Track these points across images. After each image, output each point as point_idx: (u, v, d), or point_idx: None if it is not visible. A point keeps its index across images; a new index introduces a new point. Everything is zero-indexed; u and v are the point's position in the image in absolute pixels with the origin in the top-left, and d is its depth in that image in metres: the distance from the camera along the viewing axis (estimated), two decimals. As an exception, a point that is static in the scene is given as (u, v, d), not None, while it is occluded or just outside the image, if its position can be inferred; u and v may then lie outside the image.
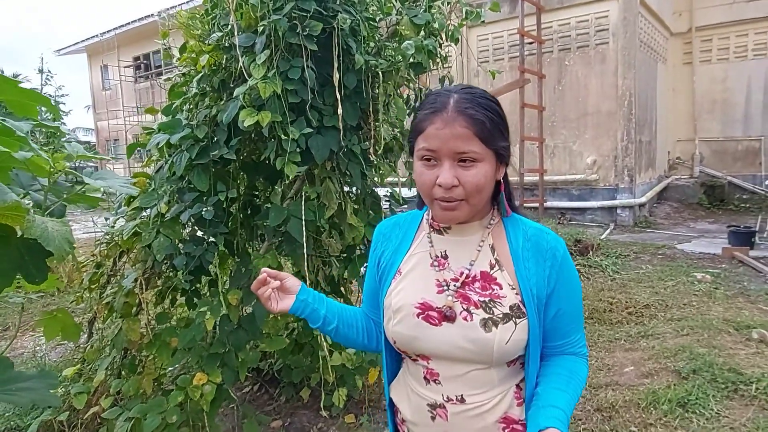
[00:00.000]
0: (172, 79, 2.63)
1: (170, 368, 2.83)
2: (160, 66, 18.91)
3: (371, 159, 2.27)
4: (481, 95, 0.96)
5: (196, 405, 2.26)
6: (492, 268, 1.01)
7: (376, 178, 2.57)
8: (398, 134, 2.25)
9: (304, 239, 2.06)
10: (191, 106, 2.16)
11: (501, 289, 0.99)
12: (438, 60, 2.12)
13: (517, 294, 0.98)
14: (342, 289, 2.95)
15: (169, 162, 2.18)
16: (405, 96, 2.30)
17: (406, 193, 2.61)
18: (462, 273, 1.01)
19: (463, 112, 0.92)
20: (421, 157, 0.97)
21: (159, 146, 2.05)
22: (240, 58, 1.78)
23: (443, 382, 1.02)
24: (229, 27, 1.90)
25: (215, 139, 2.09)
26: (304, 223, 2.07)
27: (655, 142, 10.58)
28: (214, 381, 2.23)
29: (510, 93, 9.00)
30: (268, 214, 2.13)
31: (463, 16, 2.12)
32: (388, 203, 2.78)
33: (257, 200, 2.77)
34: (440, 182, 0.93)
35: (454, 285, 1.01)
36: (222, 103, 2.08)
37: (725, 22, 10.82)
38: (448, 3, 2.10)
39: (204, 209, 2.06)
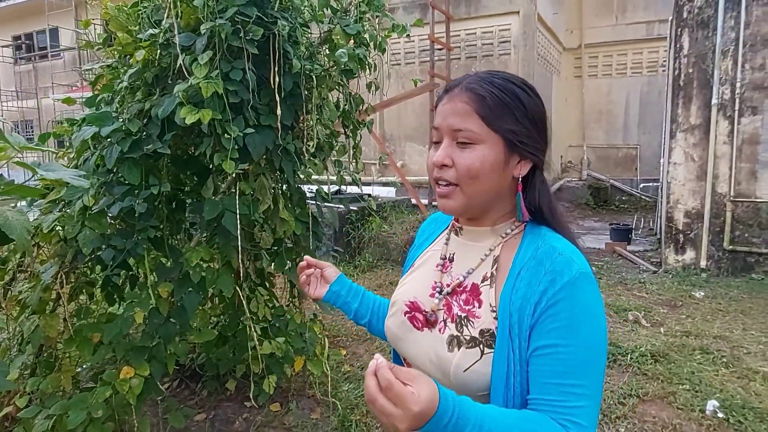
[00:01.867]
0: (93, 71, 2.58)
1: (84, 365, 2.76)
2: (45, 47, 17.33)
3: (302, 157, 2.39)
4: (502, 76, 0.86)
5: (121, 399, 2.25)
6: (484, 281, 0.88)
7: (302, 176, 2.70)
8: (329, 134, 2.40)
9: (239, 232, 2.14)
10: (121, 100, 2.15)
11: (480, 306, 0.86)
12: (367, 67, 2.30)
13: (495, 318, 0.83)
14: (266, 283, 3.04)
15: (96, 154, 2.15)
16: (335, 99, 2.45)
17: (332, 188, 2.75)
18: (456, 280, 0.92)
19: (468, 87, 0.84)
20: (431, 140, 0.91)
21: (87, 138, 2.03)
22: (180, 57, 1.83)
23: None
24: (167, 25, 1.93)
25: (147, 133, 2.10)
26: (238, 217, 2.14)
27: (550, 147, 11.54)
28: (142, 374, 2.24)
29: (421, 96, 9.42)
30: (201, 207, 2.19)
31: (390, 29, 2.31)
32: (314, 199, 2.91)
33: (181, 195, 2.78)
34: (434, 160, 0.86)
35: (445, 291, 0.91)
36: (155, 98, 2.10)
37: (609, 42, 12.07)
38: (377, 15, 2.28)
39: (136, 202, 2.07)
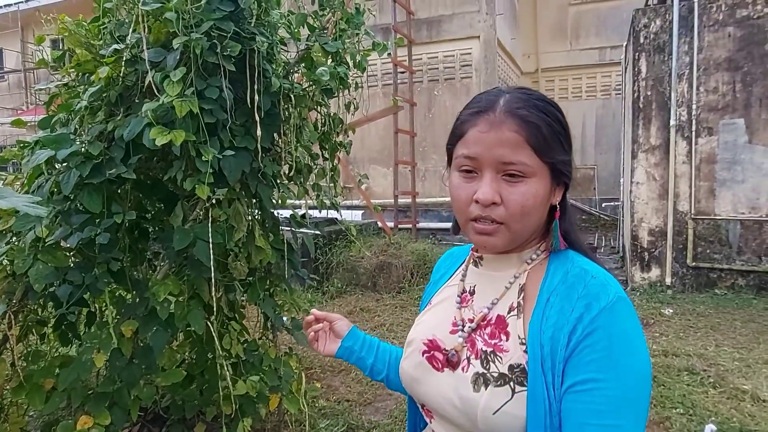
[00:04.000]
0: (46, 90, 2.38)
1: (33, 413, 2.49)
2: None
3: (278, 181, 2.26)
4: (538, 97, 0.78)
5: (78, 453, 2.01)
6: (510, 311, 0.79)
7: (277, 201, 2.55)
8: (308, 157, 2.27)
9: (212, 263, 1.97)
10: (80, 121, 1.97)
11: (507, 339, 0.77)
12: (347, 87, 2.20)
13: (524, 352, 0.74)
14: (237, 316, 2.85)
15: (51, 180, 1.96)
16: (314, 121, 2.34)
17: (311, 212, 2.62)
18: (480, 313, 0.82)
19: (515, 113, 0.74)
20: (459, 167, 0.80)
21: (41, 163, 1.84)
22: (149, 74, 1.68)
23: None
24: (134, 40, 1.78)
25: (110, 156, 1.93)
26: (211, 246, 1.98)
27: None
28: (102, 423, 2.01)
29: (384, 119, 9.42)
30: (169, 236, 2.01)
31: (370, 47, 2.23)
32: (289, 226, 2.76)
33: (144, 223, 2.58)
34: (478, 197, 0.76)
35: (469, 326, 0.82)
36: (119, 118, 1.93)
37: (564, 66, 12.49)
38: (357, 33, 2.19)
39: (96, 232, 1.88)
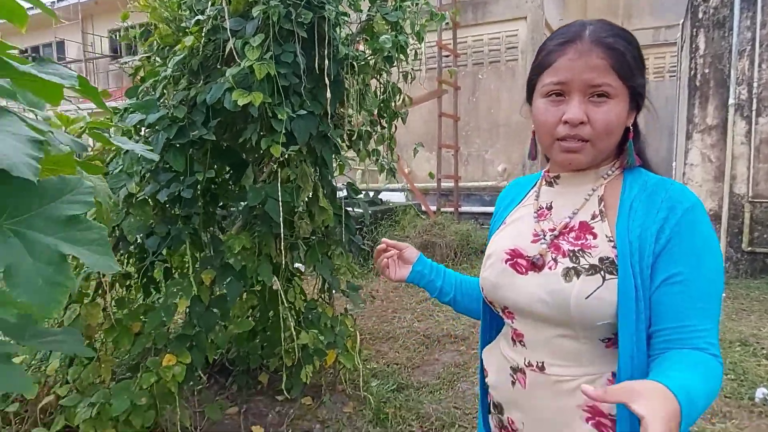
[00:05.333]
0: (129, 64, 2.61)
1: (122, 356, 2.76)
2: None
3: (339, 146, 2.40)
4: (620, 27, 0.87)
5: (162, 388, 2.24)
6: (593, 218, 0.89)
7: (336, 167, 2.70)
8: (369, 123, 2.41)
9: (281, 219, 2.14)
10: (164, 88, 2.16)
11: (595, 238, 0.86)
12: (406, 56, 2.32)
13: (613, 247, 0.83)
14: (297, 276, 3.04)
15: (140, 142, 2.17)
16: (373, 88, 2.47)
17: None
18: (561, 223, 0.92)
19: (602, 41, 0.83)
20: (546, 94, 0.88)
21: (134, 126, 2.04)
22: (231, 41, 1.85)
23: (528, 345, 0.93)
24: (214, 12, 1.95)
25: (192, 120, 2.12)
26: (280, 203, 2.15)
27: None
28: (184, 362, 2.23)
29: (428, 102, 9.46)
30: (242, 196, 2.19)
31: (429, 17, 2.33)
32: (346, 193, 2.91)
33: (214, 187, 2.79)
34: (567, 118, 0.84)
35: (551, 234, 0.91)
36: (199, 85, 2.12)
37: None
38: (416, 3, 2.30)
39: (181, 189, 2.08)
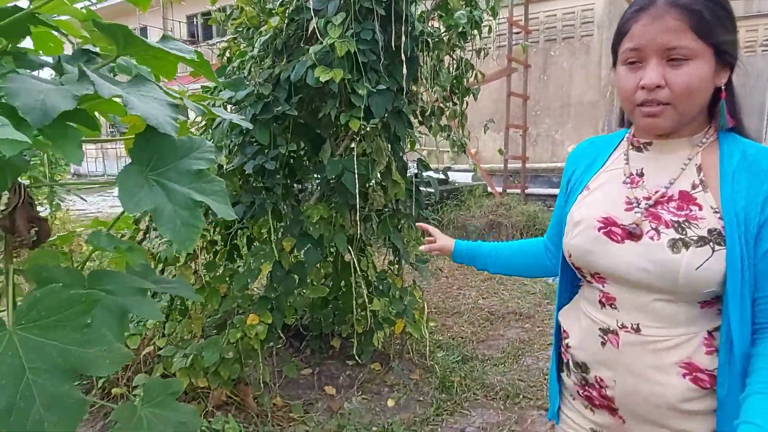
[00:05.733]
0: (217, 45, 2.79)
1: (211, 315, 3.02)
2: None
3: (412, 122, 2.48)
4: None
5: (246, 345, 2.45)
6: (694, 188, 0.89)
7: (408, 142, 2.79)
8: (441, 99, 2.47)
9: (357, 191, 2.26)
10: (252, 66, 2.32)
11: (700, 210, 0.86)
12: (480, 31, 2.34)
13: (719, 219, 0.84)
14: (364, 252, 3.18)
15: (228, 119, 2.34)
16: (446, 65, 2.52)
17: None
18: (657, 191, 0.91)
19: (676, 3, 0.82)
20: (624, 61, 0.89)
21: (223, 102, 2.21)
22: (313, 20, 1.96)
23: (620, 308, 0.94)
24: (300, -9, 2.07)
25: (275, 97, 2.26)
26: (356, 176, 2.26)
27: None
28: (266, 322, 2.42)
29: (497, 81, 9.29)
30: (321, 168, 2.32)
31: (502, -7, 2.34)
32: (416, 169, 2.99)
33: (293, 162, 2.96)
34: (644, 83, 0.85)
35: (646, 203, 0.91)
36: (283, 64, 2.26)
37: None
38: (490, -20, 2.32)
39: (265, 160, 2.24)
